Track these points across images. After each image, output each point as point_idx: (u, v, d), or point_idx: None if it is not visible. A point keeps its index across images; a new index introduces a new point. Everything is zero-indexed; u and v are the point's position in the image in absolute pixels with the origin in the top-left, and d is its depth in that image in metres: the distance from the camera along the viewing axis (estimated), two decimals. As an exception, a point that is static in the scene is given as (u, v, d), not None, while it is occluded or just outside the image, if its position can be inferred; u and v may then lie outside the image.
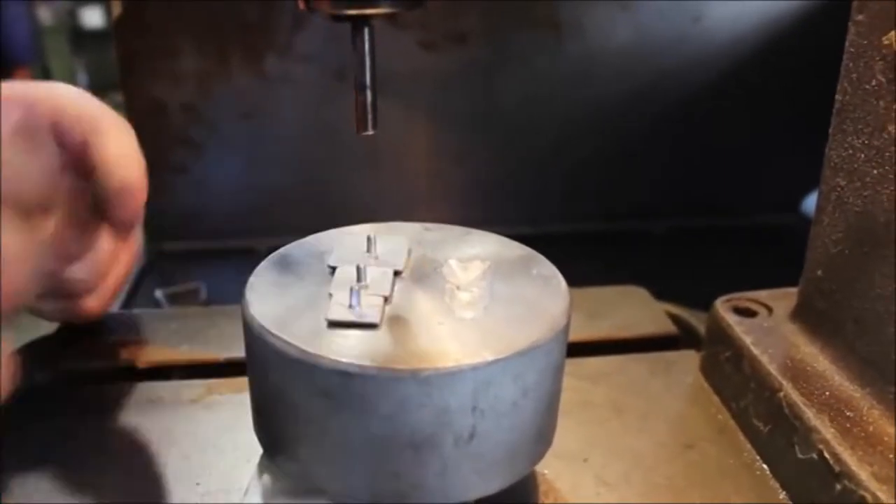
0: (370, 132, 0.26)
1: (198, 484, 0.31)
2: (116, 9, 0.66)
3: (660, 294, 0.47)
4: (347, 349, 0.24)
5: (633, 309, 0.45)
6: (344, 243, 0.30)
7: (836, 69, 0.32)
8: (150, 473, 0.32)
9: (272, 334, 0.24)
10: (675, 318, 0.45)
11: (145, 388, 0.38)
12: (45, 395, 0.37)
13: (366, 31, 0.25)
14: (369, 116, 0.26)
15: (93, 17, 3.33)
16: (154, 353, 0.40)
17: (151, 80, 0.67)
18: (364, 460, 0.25)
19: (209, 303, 0.66)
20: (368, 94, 0.26)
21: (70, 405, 0.37)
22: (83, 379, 0.39)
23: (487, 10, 0.70)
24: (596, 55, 0.73)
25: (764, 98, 0.76)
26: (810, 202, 0.82)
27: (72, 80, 3.39)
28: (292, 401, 0.25)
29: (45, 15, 3.18)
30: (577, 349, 0.40)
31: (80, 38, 3.34)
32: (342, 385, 0.23)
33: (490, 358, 0.24)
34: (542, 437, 0.27)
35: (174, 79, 0.67)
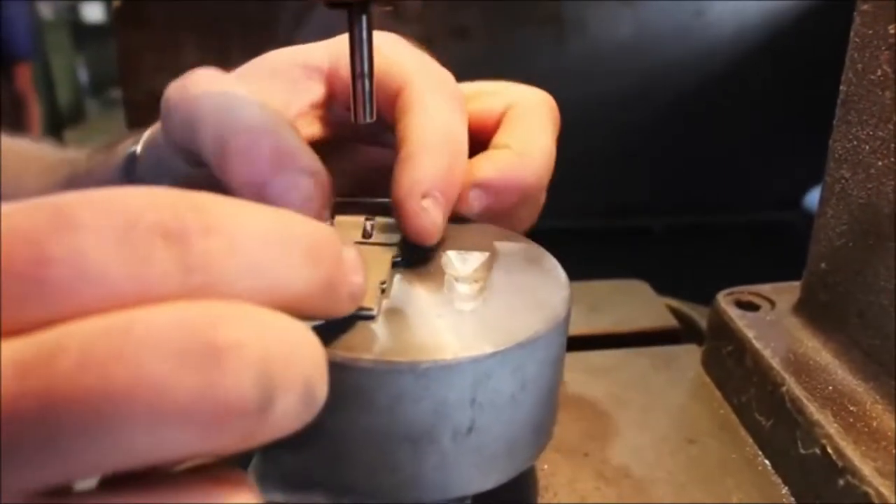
0: (368, 121, 0.26)
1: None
2: (117, 3, 0.66)
3: (659, 290, 0.47)
4: (344, 341, 0.23)
5: (634, 303, 0.45)
6: (340, 234, 0.30)
7: (836, 66, 0.32)
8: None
9: (268, 325, 0.24)
10: (676, 313, 0.44)
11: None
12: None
13: (363, 18, 0.25)
14: (367, 105, 0.26)
15: (93, 12, 3.32)
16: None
17: (151, 75, 0.67)
18: (361, 454, 0.24)
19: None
20: (366, 82, 0.25)
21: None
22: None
23: (489, 6, 0.70)
24: (598, 51, 0.73)
25: (765, 95, 0.75)
26: (812, 198, 0.82)
27: (73, 75, 3.39)
28: (288, 393, 0.24)
29: (45, 10, 3.16)
30: (578, 343, 0.40)
31: (81, 32, 3.32)
32: (339, 378, 0.23)
33: (489, 350, 0.23)
34: (541, 431, 0.27)
35: (174, 73, 0.67)
